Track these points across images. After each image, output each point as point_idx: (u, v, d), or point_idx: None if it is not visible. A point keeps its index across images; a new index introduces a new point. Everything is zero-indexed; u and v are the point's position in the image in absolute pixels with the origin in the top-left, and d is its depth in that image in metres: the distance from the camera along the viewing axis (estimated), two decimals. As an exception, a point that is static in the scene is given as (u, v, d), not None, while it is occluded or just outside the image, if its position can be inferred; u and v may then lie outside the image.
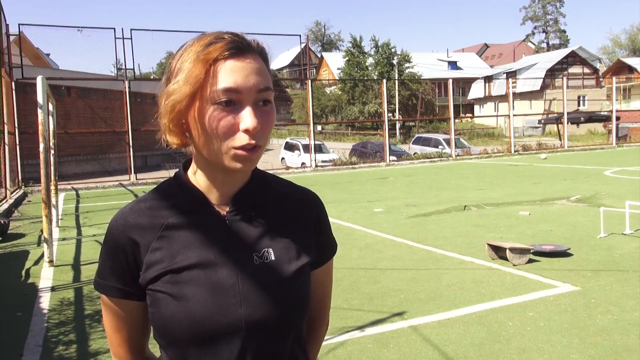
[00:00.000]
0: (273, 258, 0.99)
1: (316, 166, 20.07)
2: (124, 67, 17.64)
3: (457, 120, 30.09)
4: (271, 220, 1.02)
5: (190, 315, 0.92)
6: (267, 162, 21.78)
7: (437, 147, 24.57)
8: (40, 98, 6.66)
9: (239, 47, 0.92)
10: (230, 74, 0.90)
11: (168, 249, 0.97)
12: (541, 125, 41.36)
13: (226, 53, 0.90)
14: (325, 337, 4.04)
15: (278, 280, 0.98)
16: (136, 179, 17.20)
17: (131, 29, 17.28)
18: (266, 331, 0.96)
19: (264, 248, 0.99)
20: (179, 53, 0.95)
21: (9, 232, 8.62)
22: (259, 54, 0.96)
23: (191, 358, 0.96)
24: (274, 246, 1.00)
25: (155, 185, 1.06)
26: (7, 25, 15.40)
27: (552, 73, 45.95)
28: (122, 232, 0.98)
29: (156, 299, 0.96)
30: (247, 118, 0.90)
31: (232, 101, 0.91)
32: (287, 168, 20.70)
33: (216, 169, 0.97)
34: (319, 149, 21.75)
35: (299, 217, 1.06)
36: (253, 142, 0.91)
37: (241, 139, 0.91)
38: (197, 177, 1.01)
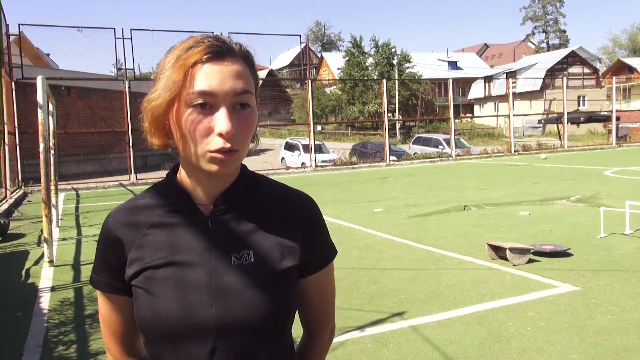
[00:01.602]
0: (252, 260, 0.99)
1: (316, 166, 20.07)
2: (124, 67, 17.65)
3: (457, 120, 30.10)
4: (257, 222, 1.02)
5: (161, 313, 0.94)
6: (267, 162, 21.80)
7: (437, 147, 24.56)
8: (40, 98, 6.66)
9: (218, 50, 0.93)
10: (206, 77, 0.91)
11: (150, 246, 0.99)
12: (541, 125, 41.37)
13: (205, 57, 0.92)
14: (325, 337, 3.93)
15: (255, 283, 0.97)
16: (136, 179, 17.20)
17: (131, 29, 17.30)
18: (238, 333, 0.95)
19: (244, 250, 0.99)
20: (164, 56, 0.96)
21: (9, 232, 8.61)
22: (242, 57, 0.96)
23: (165, 355, 0.97)
24: (256, 248, 1.00)
25: (148, 187, 1.08)
26: (7, 25, 15.40)
27: (552, 73, 45.95)
28: (112, 229, 1.02)
29: (136, 295, 0.98)
30: (221, 122, 0.91)
31: (208, 104, 0.91)
32: (287, 168, 20.70)
33: (198, 169, 0.97)
34: (319, 149, 21.74)
35: (288, 220, 1.04)
36: (228, 145, 0.91)
37: (216, 142, 0.91)
38: (183, 178, 1.02)
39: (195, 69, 0.91)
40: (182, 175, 1.02)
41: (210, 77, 0.91)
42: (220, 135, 0.91)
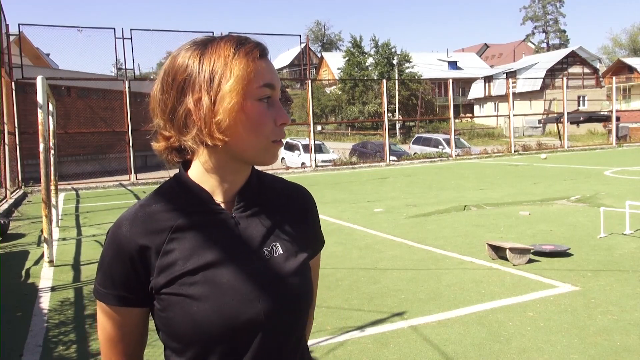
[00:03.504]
0: (281, 251, 1.02)
1: (316, 166, 20.07)
2: (124, 67, 17.65)
3: (457, 120, 30.11)
4: (273, 216, 1.06)
5: (211, 315, 0.93)
6: (267, 162, 21.73)
7: (437, 147, 24.56)
8: (40, 98, 6.66)
9: (264, 48, 0.99)
10: (268, 72, 0.97)
11: (180, 250, 0.96)
12: (541, 125, 41.37)
13: (259, 53, 0.97)
14: (325, 337, 4.04)
15: (288, 273, 1.01)
16: (136, 179, 17.20)
17: (131, 29, 17.31)
18: (283, 323, 0.99)
19: (271, 243, 1.02)
20: (206, 59, 0.94)
21: (9, 232, 8.61)
22: None
23: (213, 356, 0.96)
24: (280, 240, 1.04)
25: (155, 188, 1.05)
26: (7, 25, 15.40)
27: (552, 73, 45.95)
28: (129, 238, 0.96)
29: (172, 303, 0.95)
30: (282, 113, 0.99)
31: (270, 97, 0.98)
32: (287, 168, 20.70)
33: (229, 167, 1.00)
34: (319, 149, 21.74)
35: (297, 212, 1.10)
36: (284, 135, 1.00)
37: (280, 132, 0.99)
38: (201, 177, 1.01)
39: (259, 63, 0.96)
40: (201, 175, 1.01)
41: (271, 71, 0.98)
42: (282, 125, 0.98)
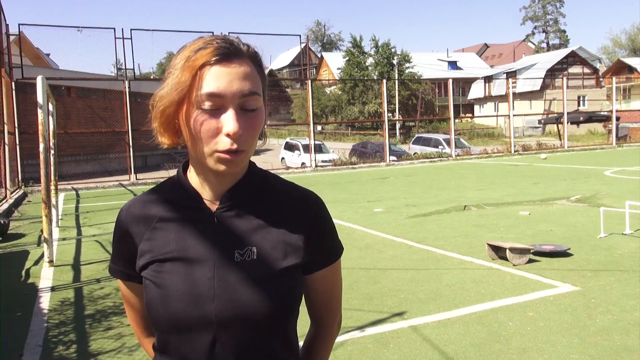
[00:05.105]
0: (255, 257, 1.01)
1: (316, 166, 20.07)
2: (124, 67, 17.65)
3: (457, 120, 30.11)
4: (262, 219, 1.04)
5: (166, 305, 0.97)
6: (267, 162, 21.78)
7: (437, 147, 24.57)
8: (40, 98, 6.66)
9: (226, 52, 0.94)
10: (215, 79, 0.93)
11: (158, 239, 1.03)
12: (541, 125, 41.36)
13: (213, 59, 0.93)
14: (325, 337, 3.93)
15: (256, 279, 0.99)
16: (136, 179, 17.21)
17: (131, 29, 17.32)
18: (238, 326, 0.97)
19: (248, 246, 1.01)
20: (174, 57, 0.98)
21: (9, 232, 8.62)
22: (250, 58, 0.97)
23: (170, 344, 1.01)
24: (260, 245, 1.02)
25: (158, 183, 1.12)
26: (7, 25, 15.40)
27: (552, 73, 45.93)
28: (124, 222, 1.06)
29: (145, 285, 1.02)
30: (228, 123, 0.93)
31: (216, 106, 0.93)
32: (287, 168, 20.70)
33: (206, 168, 1.00)
34: (319, 149, 21.75)
35: (295, 218, 1.06)
36: (235, 146, 0.93)
37: (223, 143, 0.93)
38: (191, 175, 1.05)
39: (204, 70, 0.93)
40: (192, 172, 1.05)
41: (218, 79, 0.92)
42: (227, 136, 0.93)
